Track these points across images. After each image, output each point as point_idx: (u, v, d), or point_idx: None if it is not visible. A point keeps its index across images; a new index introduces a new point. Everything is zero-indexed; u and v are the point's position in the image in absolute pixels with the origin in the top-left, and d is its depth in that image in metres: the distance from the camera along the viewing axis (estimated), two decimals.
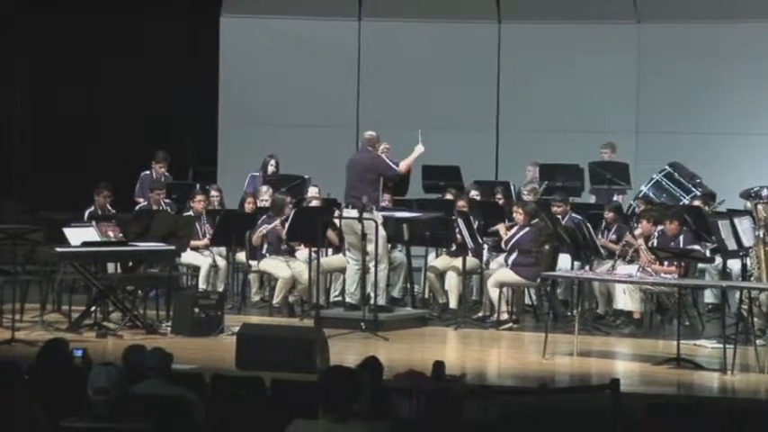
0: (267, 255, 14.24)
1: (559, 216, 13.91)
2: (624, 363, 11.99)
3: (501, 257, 13.86)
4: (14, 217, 14.40)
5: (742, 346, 11.56)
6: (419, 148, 13.57)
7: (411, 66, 18.10)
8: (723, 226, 12.70)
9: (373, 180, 13.27)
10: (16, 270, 12.76)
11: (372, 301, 13.08)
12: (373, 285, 13.13)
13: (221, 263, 14.64)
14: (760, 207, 11.89)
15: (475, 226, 13.79)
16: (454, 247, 13.96)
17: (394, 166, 13.41)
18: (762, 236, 11.75)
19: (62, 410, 6.68)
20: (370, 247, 13.06)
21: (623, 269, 12.94)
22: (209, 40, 18.21)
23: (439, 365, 9.23)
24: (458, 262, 13.82)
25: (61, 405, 6.84)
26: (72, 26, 18.22)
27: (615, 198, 15.76)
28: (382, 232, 13.18)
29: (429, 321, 13.72)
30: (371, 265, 13.09)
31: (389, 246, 14.01)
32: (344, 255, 13.62)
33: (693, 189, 15.19)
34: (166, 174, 16.25)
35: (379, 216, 13.17)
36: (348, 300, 13.50)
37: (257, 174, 16.31)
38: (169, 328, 12.79)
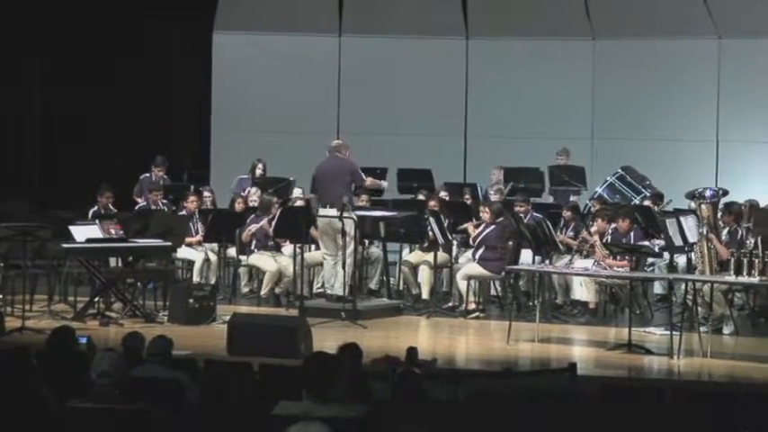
0: (255, 250, 14.23)
1: (522, 215, 13.93)
2: (580, 348, 12.00)
3: (469, 252, 13.87)
4: (24, 216, 14.33)
5: (687, 332, 11.58)
6: (384, 184, 14.14)
7: (387, 78, 18.08)
8: (670, 224, 12.73)
9: (348, 183, 13.28)
10: (26, 264, 12.71)
11: (348, 288, 13.08)
12: (352, 277, 13.16)
13: (213, 258, 14.63)
14: (703, 207, 11.91)
15: (445, 224, 13.79)
16: (426, 244, 13.97)
17: (363, 176, 13.46)
18: (705, 233, 11.78)
19: (68, 392, 6.67)
20: (349, 242, 13.05)
21: (580, 263, 12.97)
22: (202, 54, 18.17)
23: (412, 351, 9.25)
24: (429, 257, 13.83)
25: (67, 387, 6.82)
26: (78, 31, 18.13)
27: (572, 198, 15.79)
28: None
29: (403, 311, 13.72)
30: (349, 257, 13.10)
31: (366, 242, 14.05)
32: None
33: (643, 190, 15.24)
34: (165, 177, 16.24)
35: (353, 215, 13.20)
36: (329, 291, 13.50)
37: (245, 176, 16.30)
38: (166, 317, 12.76)
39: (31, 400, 6.74)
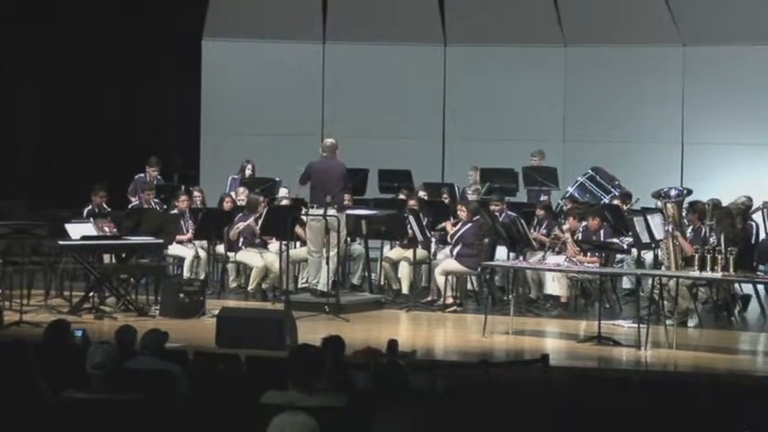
0: (243, 247, 14.21)
1: (497, 213, 13.94)
2: (553, 340, 12.02)
3: (447, 249, 13.87)
4: (22, 214, 14.27)
5: (654, 325, 11.62)
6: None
7: (369, 83, 18.08)
8: (638, 222, 12.77)
9: (342, 185, 13.25)
10: (23, 260, 12.68)
11: (329, 282, 13.05)
12: (335, 272, 13.15)
13: (203, 254, 14.59)
14: (669, 205, 11.94)
15: (424, 222, 13.80)
16: (406, 241, 13.97)
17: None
18: (670, 230, 11.80)
19: (63, 383, 6.65)
20: (335, 240, 13.04)
21: (552, 259, 12.97)
22: (193, 60, 18.13)
23: (393, 343, 9.24)
24: (409, 253, 13.83)
25: (63, 378, 6.80)
26: (75, 33, 18.03)
27: (543, 198, 15.81)
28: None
29: (384, 305, 13.71)
30: (333, 254, 13.08)
31: (349, 239, 14.04)
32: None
33: (612, 190, 15.26)
34: (158, 177, 16.20)
35: (342, 215, 13.19)
36: (314, 286, 13.47)
37: (237, 177, 16.28)
38: (158, 311, 12.73)
39: (28, 390, 6.72)
